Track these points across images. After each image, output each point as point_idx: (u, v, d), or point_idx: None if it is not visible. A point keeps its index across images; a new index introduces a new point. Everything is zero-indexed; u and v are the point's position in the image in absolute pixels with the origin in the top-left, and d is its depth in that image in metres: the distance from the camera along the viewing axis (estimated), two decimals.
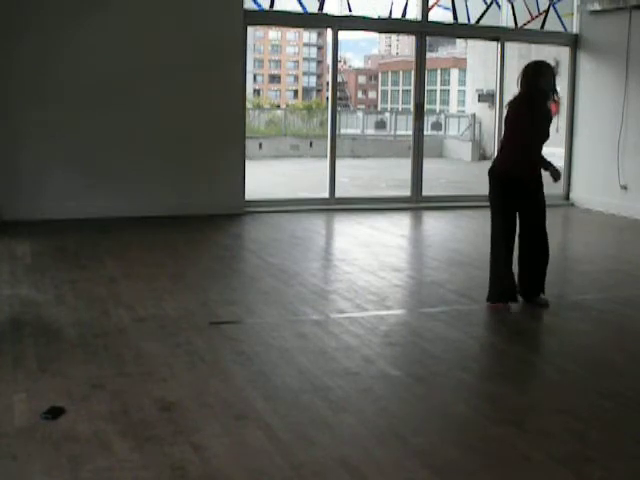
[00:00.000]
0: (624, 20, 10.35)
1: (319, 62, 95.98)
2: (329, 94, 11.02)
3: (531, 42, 13.43)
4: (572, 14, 11.39)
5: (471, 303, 5.81)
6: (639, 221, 10.13)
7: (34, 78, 8.80)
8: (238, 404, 3.76)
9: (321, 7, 10.25)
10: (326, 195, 10.64)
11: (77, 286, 5.97)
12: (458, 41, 48.23)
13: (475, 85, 26.25)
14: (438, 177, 16.63)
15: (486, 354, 4.87)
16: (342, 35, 11.39)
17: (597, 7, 10.81)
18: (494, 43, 11.48)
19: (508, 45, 11.63)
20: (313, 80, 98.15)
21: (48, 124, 8.85)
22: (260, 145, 23.92)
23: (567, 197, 11.58)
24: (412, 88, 11.51)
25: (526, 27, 11.31)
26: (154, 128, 9.29)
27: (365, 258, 7.42)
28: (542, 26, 11.35)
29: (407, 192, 11.20)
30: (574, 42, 11.44)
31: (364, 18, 10.64)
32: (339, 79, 67.80)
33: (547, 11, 11.31)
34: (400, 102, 66.54)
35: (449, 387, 4.13)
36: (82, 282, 6.11)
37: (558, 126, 12.18)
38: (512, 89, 6.00)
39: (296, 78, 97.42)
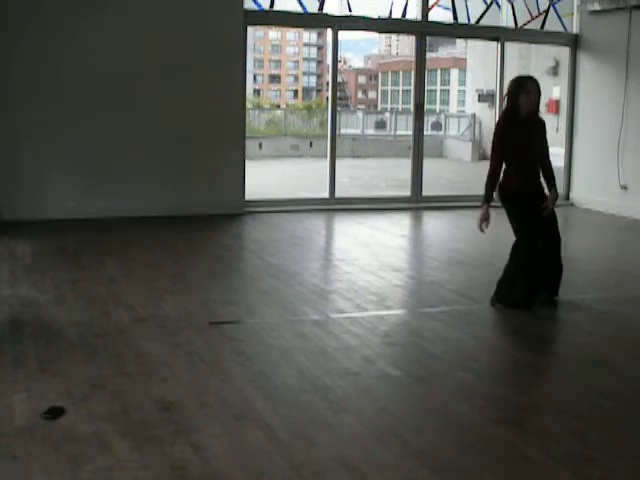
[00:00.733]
0: (624, 20, 10.35)
1: (319, 62, 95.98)
2: (329, 94, 11.03)
3: (531, 42, 13.48)
4: (572, 14, 11.39)
5: (471, 303, 5.81)
6: (639, 221, 10.13)
7: (34, 78, 8.80)
8: (238, 404, 3.76)
9: (321, 7, 10.26)
10: (326, 195, 10.64)
11: (77, 286, 5.97)
12: (458, 41, 48.26)
13: (475, 85, 26.20)
14: (438, 177, 16.62)
15: (486, 354, 4.87)
16: (342, 35, 11.42)
17: (597, 7, 10.81)
18: (494, 43, 11.48)
19: (508, 45, 11.65)
20: (313, 80, 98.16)
21: (48, 124, 8.86)
22: (260, 145, 23.90)
23: (567, 197, 11.57)
24: (412, 88, 11.52)
25: (526, 27, 11.32)
26: (154, 128, 9.30)
27: (365, 258, 7.42)
28: (542, 26, 11.35)
29: (407, 192, 11.21)
30: (574, 42, 11.43)
31: (364, 18, 10.65)
32: (339, 79, 67.74)
33: (547, 11, 11.32)
34: (400, 102, 66.56)
35: (449, 387, 4.13)
36: (82, 282, 6.11)
37: (558, 126, 12.21)
38: None
39: (296, 78, 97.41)
